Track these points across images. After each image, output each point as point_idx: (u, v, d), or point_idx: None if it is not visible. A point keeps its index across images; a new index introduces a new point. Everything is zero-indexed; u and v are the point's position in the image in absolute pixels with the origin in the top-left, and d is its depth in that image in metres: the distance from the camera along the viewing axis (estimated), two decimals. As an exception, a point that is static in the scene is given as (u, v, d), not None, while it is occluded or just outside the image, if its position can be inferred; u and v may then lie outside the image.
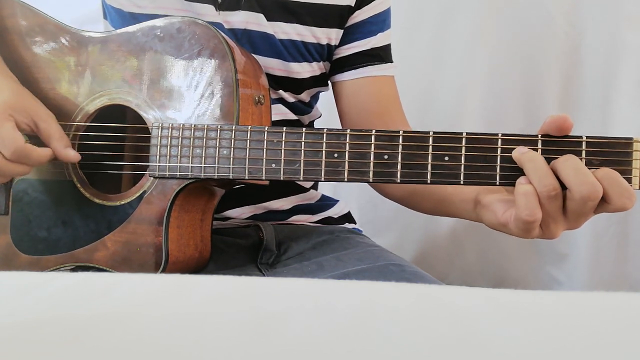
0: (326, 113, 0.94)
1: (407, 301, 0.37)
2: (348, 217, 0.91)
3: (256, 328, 0.31)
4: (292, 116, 0.83)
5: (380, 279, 0.68)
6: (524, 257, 1.28)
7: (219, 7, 0.76)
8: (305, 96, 0.85)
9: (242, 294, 0.38)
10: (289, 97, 0.82)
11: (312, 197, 0.87)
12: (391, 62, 0.86)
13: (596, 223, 1.21)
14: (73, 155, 0.66)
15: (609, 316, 0.34)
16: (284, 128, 0.61)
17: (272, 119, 0.79)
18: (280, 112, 0.82)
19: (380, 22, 0.85)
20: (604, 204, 0.52)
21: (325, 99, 0.92)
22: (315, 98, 0.90)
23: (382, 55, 0.85)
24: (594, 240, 1.22)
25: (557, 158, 0.53)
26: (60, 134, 0.66)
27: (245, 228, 0.81)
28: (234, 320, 0.32)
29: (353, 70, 0.84)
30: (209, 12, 0.76)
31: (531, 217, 0.53)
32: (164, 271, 0.64)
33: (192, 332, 0.30)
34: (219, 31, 0.66)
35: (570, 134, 0.54)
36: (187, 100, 0.66)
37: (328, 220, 0.87)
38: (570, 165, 0.52)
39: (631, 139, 0.53)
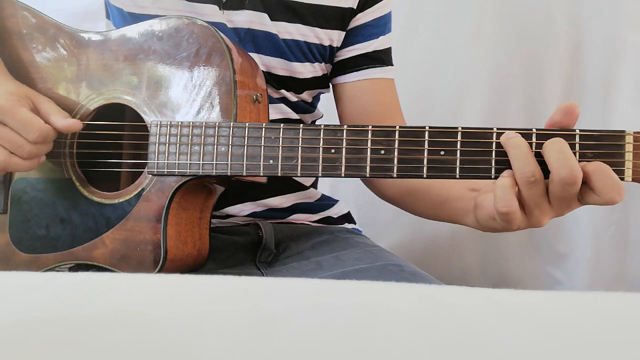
0: (326, 113, 0.94)
1: (407, 301, 0.36)
2: (348, 217, 0.91)
3: (256, 328, 0.31)
4: (294, 115, 0.83)
5: (380, 278, 0.68)
6: (524, 257, 1.28)
7: (223, 7, 0.76)
8: (306, 96, 0.85)
9: (242, 294, 0.38)
10: (292, 97, 0.82)
11: (311, 195, 0.87)
12: (392, 65, 0.87)
13: (596, 223, 1.21)
14: (72, 123, 0.67)
15: (609, 316, 0.34)
16: (282, 125, 0.61)
17: (275, 119, 0.79)
18: (282, 112, 0.82)
19: (382, 25, 0.85)
20: (593, 196, 0.52)
21: (326, 100, 0.92)
22: (317, 98, 0.90)
23: (383, 58, 0.85)
24: (594, 240, 1.22)
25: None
26: (57, 110, 0.67)
27: (245, 227, 0.81)
28: (234, 320, 0.32)
29: (354, 73, 0.84)
30: (213, 12, 0.76)
31: (506, 209, 0.54)
32: (162, 268, 0.64)
33: (192, 332, 0.30)
34: (217, 30, 0.66)
35: (569, 127, 0.55)
36: (185, 99, 0.66)
37: (328, 220, 0.87)
38: (554, 148, 0.52)
39: (623, 131, 0.53)
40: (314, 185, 0.90)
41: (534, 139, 0.54)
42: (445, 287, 0.43)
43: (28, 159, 0.65)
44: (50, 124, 0.66)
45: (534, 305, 0.36)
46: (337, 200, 0.91)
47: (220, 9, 0.76)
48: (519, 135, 0.54)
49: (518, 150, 0.53)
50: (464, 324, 0.32)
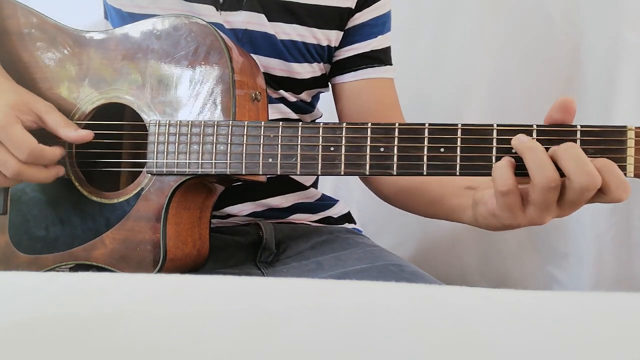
0: (327, 113, 0.94)
1: (407, 301, 0.36)
2: (348, 217, 0.91)
3: (256, 328, 0.31)
4: (293, 116, 0.83)
5: (380, 278, 0.68)
6: (525, 257, 1.28)
7: (220, 8, 0.76)
8: (305, 96, 0.85)
9: (242, 294, 0.38)
10: (290, 97, 0.82)
11: (311, 195, 0.87)
12: (391, 64, 0.86)
13: (597, 222, 1.21)
14: (85, 134, 0.66)
15: (609, 316, 0.34)
16: (280, 123, 0.61)
17: (274, 118, 0.79)
18: (281, 112, 0.82)
19: (381, 24, 0.85)
20: (599, 194, 0.52)
21: (326, 99, 0.92)
22: (316, 98, 0.90)
23: (382, 57, 0.85)
24: (595, 240, 1.22)
25: (551, 147, 0.53)
26: (65, 121, 0.66)
27: (245, 226, 0.81)
28: (234, 320, 0.32)
29: (353, 72, 0.84)
30: (210, 13, 0.76)
31: (505, 187, 0.53)
32: (161, 268, 0.64)
33: (192, 331, 0.30)
34: (215, 28, 0.66)
35: (566, 124, 0.54)
36: (184, 98, 0.66)
37: (328, 220, 0.87)
38: (571, 155, 0.52)
39: (625, 127, 0.53)
40: (314, 185, 0.90)
41: (534, 135, 0.54)
42: (445, 287, 0.43)
43: (14, 178, 0.64)
44: (60, 137, 0.66)
45: (534, 305, 0.36)
46: (337, 200, 0.91)
47: (217, 10, 0.76)
48: (531, 138, 0.54)
49: (535, 154, 0.52)
50: (464, 324, 0.32)
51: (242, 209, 0.81)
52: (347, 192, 1.26)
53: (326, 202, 0.89)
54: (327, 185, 1.23)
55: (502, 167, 0.54)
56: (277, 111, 0.81)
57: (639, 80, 1.18)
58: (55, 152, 0.65)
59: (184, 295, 0.37)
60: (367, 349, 0.29)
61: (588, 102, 1.21)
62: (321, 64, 0.83)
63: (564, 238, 1.25)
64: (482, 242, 1.28)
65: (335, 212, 0.89)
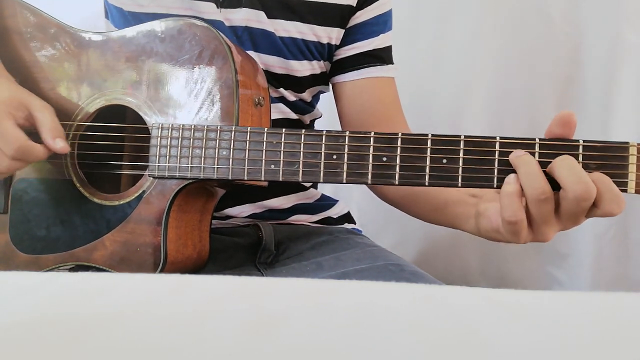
0: (327, 113, 0.94)
1: (407, 301, 0.36)
2: (348, 218, 0.91)
3: (256, 328, 0.31)
4: (293, 115, 0.83)
5: (380, 278, 0.68)
6: (525, 257, 1.28)
7: (221, 5, 0.76)
8: (306, 95, 0.85)
9: (242, 294, 0.38)
10: (290, 96, 0.82)
11: (311, 196, 0.87)
12: (392, 63, 0.86)
13: (597, 223, 1.21)
14: (60, 146, 0.65)
15: (609, 316, 0.34)
16: (283, 129, 0.61)
17: (273, 118, 0.79)
18: (281, 111, 0.82)
19: (382, 23, 0.84)
20: (592, 208, 0.52)
21: (326, 99, 0.92)
22: (316, 98, 0.90)
23: (383, 56, 0.85)
24: (595, 240, 1.22)
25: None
26: (52, 124, 0.65)
27: (245, 228, 0.81)
28: (234, 320, 0.32)
29: (354, 71, 0.84)
30: (210, 10, 0.76)
31: (513, 218, 0.53)
32: (162, 271, 0.64)
33: (192, 332, 0.30)
34: (219, 32, 0.66)
35: (568, 137, 0.55)
36: (187, 101, 0.66)
37: (328, 221, 0.87)
38: (566, 165, 0.52)
39: (627, 143, 0.53)
40: (314, 185, 0.90)
41: (536, 149, 0.54)
42: (445, 287, 0.43)
43: (6, 172, 0.64)
44: (42, 138, 0.65)
45: (534, 305, 0.36)
46: (337, 201, 0.91)
47: (217, 7, 0.76)
48: (528, 153, 0.54)
49: (528, 167, 0.53)
50: (464, 324, 0.32)
51: (242, 211, 0.81)
52: (347, 192, 1.26)
53: (326, 202, 0.89)
54: (327, 185, 1.23)
55: (511, 197, 0.53)
56: (277, 111, 0.81)
57: (638, 81, 1.18)
58: (41, 149, 0.65)
59: (184, 295, 0.37)
60: (367, 349, 0.29)
61: (588, 102, 1.21)
62: (321, 61, 0.83)
63: (564, 239, 1.25)
64: (482, 242, 1.26)
65: (335, 212, 0.89)
